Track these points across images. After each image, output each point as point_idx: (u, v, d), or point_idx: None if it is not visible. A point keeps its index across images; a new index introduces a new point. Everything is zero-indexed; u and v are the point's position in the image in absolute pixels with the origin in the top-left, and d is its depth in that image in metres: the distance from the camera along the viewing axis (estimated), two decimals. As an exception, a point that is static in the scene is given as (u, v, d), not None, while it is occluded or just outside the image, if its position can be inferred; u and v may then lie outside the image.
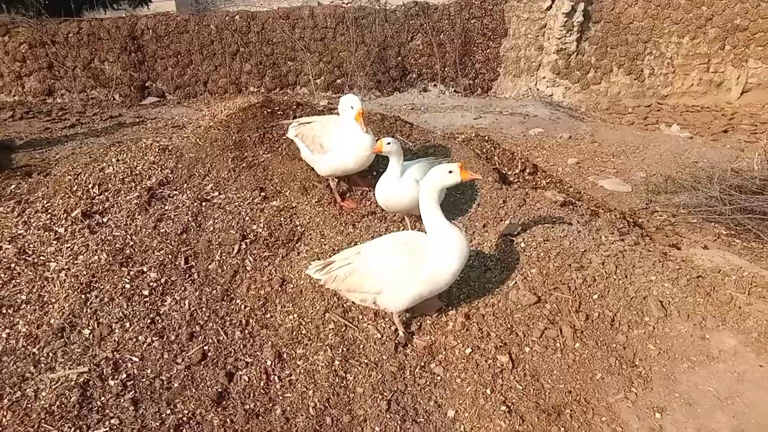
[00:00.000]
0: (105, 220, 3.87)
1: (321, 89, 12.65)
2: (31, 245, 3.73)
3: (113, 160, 4.36)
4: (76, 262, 3.56)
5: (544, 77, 13.09)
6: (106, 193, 4.07)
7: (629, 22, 12.31)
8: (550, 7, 12.39)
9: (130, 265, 3.53)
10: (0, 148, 9.08)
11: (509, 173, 4.69)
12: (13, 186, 5.22)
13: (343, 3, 12.89)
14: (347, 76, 12.52)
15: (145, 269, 3.51)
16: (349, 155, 3.91)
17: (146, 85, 12.87)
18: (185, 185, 4.18)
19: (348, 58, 12.36)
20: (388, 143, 3.63)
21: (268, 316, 3.33)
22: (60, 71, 12.53)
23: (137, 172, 4.23)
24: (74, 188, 4.10)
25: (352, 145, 3.88)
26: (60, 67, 12.48)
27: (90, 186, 4.12)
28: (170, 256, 3.60)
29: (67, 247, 3.67)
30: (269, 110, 4.98)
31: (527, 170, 4.82)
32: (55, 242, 3.72)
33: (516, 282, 3.46)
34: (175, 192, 4.10)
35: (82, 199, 4.00)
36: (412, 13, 12.36)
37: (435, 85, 12.94)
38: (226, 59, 12.61)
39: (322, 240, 3.87)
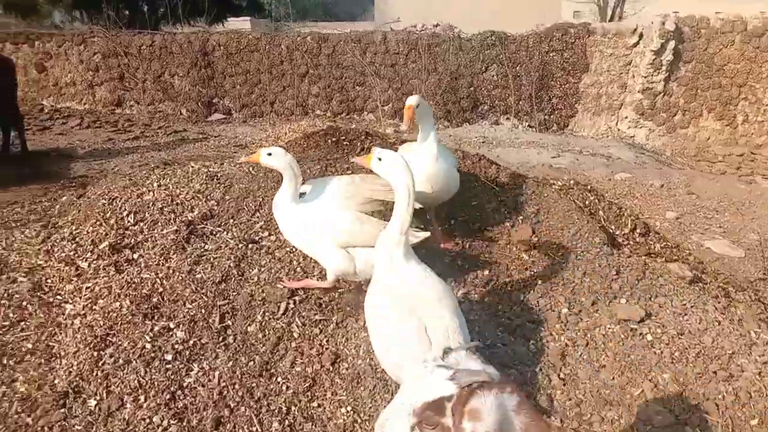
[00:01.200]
0: (135, 256, 3.29)
1: (388, 116, 12.12)
2: (48, 280, 3.19)
3: (154, 185, 3.82)
4: (94, 307, 2.97)
5: (626, 117, 12.11)
6: (141, 224, 3.50)
7: (723, 63, 11.23)
8: (637, 43, 11.50)
9: (156, 317, 2.91)
10: (61, 156, 8.99)
11: (618, 233, 3.84)
12: (64, 198, 4.82)
13: (416, 30, 12.38)
14: (416, 105, 11.93)
15: (172, 325, 2.88)
16: (417, 178, 3.05)
17: (213, 101, 12.74)
18: (231, 221, 3.56)
19: (418, 86, 11.79)
20: (269, 154, 2.85)
21: (315, 404, 2.60)
22: (130, 83, 12.58)
23: (179, 202, 3.66)
24: (107, 215, 3.56)
25: (417, 165, 2.90)
26: (131, 79, 12.53)
27: (125, 214, 3.58)
28: (203, 311, 2.95)
29: (87, 288, 3.10)
30: (334, 139, 4.35)
31: (638, 230, 3.95)
32: (75, 279, 3.16)
33: (643, 391, 2.60)
34: (218, 229, 3.49)
35: (113, 229, 3.45)
36: (488, 42, 11.73)
37: (507, 119, 12.18)
38: (295, 80, 12.34)
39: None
